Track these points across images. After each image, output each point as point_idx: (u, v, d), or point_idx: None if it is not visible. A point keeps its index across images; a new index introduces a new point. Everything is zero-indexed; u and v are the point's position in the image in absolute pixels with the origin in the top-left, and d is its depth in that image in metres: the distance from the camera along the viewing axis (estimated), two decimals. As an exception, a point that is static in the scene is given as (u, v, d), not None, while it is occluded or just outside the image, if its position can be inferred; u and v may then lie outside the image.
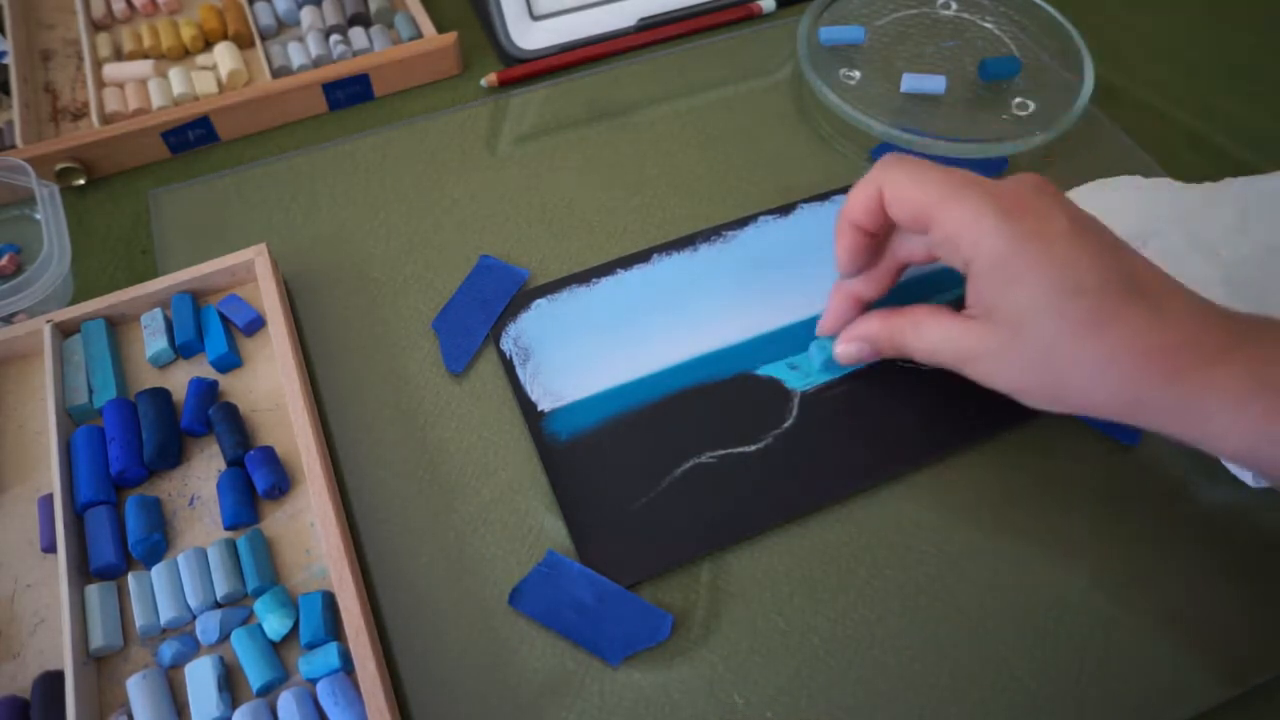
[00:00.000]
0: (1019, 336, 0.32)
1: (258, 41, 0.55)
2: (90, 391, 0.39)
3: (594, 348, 0.42)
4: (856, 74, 0.53)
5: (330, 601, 0.34)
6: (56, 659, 0.34)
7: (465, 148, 0.51)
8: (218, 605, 0.34)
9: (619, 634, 0.34)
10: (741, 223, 0.46)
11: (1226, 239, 0.43)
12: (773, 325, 0.42)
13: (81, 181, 0.49)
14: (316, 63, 0.54)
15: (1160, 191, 0.45)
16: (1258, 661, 0.34)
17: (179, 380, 0.40)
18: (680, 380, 0.41)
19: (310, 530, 0.37)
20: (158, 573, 0.35)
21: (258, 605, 0.34)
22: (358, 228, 0.47)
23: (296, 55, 0.54)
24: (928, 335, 0.35)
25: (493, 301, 0.43)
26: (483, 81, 0.54)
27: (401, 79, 0.54)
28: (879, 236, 0.37)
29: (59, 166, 0.48)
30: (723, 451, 0.38)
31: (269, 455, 0.37)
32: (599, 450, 0.39)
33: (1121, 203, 0.44)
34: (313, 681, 0.33)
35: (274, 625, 0.33)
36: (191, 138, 0.51)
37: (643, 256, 0.45)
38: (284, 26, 0.57)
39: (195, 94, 0.52)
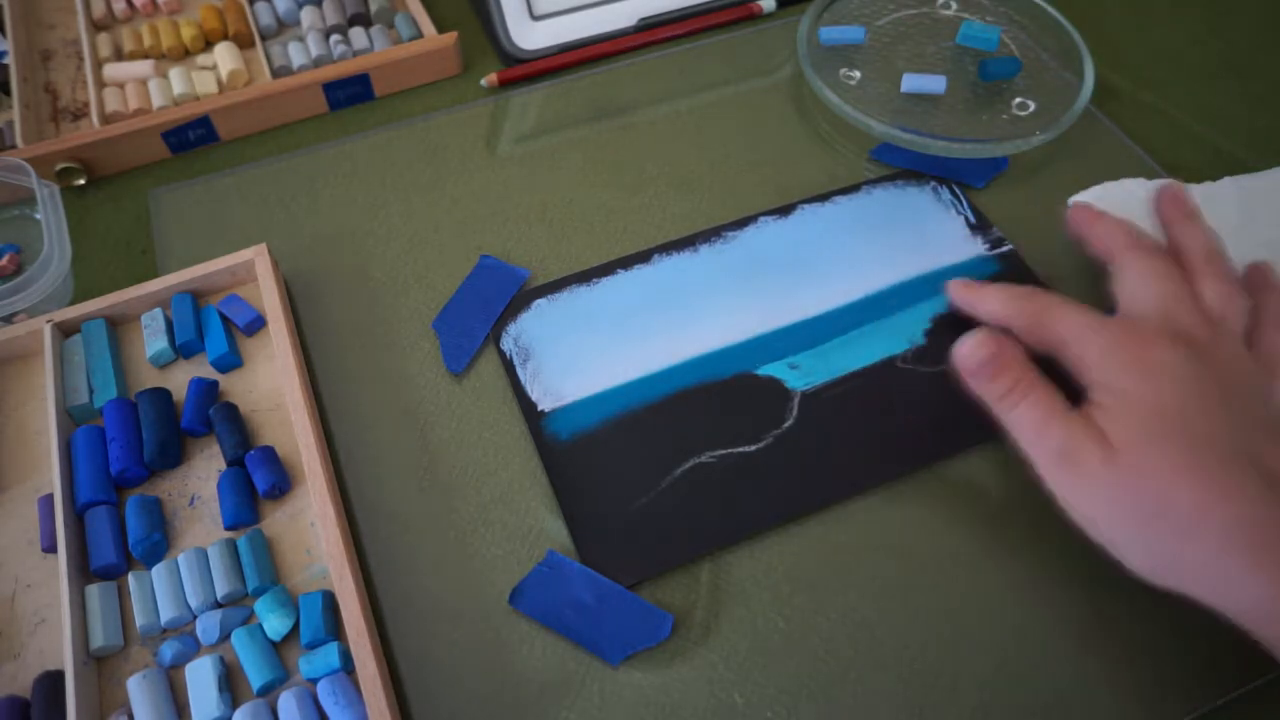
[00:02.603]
0: (1124, 456, 0.30)
1: (258, 41, 0.55)
2: (90, 391, 0.39)
3: (594, 348, 0.42)
4: (856, 74, 0.53)
5: (330, 601, 0.34)
6: (57, 659, 0.34)
7: (465, 148, 0.51)
8: (218, 605, 0.34)
9: (619, 634, 0.34)
10: (741, 223, 0.46)
11: (1229, 238, 0.43)
12: (773, 325, 0.42)
13: (82, 181, 0.49)
14: (316, 63, 0.54)
15: None
16: (1262, 658, 0.34)
17: (179, 380, 0.41)
18: (680, 380, 0.41)
19: (310, 530, 0.37)
20: (158, 573, 0.35)
21: (258, 605, 0.34)
22: (358, 228, 0.47)
23: (296, 55, 0.54)
24: (1038, 408, 0.32)
25: (493, 301, 0.43)
26: (483, 81, 0.54)
27: (401, 79, 0.54)
28: None
29: (59, 166, 0.48)
30: (723, 451, 0.38)
31: (269, 455, 0.37)
32: (599, 450, 0.39)
33: (1126, 206, 0.44)
34: (313, 681, 0.33)
35: (274, 625, 0.33)
36: (191, 138, 0.51)
37: (643, 256, 0.45)
38: (284, 26, 0.57)
39: (195, 94, 0.52)
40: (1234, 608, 0.28)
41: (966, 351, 0.34)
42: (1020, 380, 0.33)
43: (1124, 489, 0.29)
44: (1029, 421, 0.32)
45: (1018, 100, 0.51)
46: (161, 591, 0.34)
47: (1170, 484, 0.29)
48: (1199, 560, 0.28)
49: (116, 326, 0.42)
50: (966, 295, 0.38)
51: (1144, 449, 0.29)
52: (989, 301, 0.37)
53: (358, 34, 0.55)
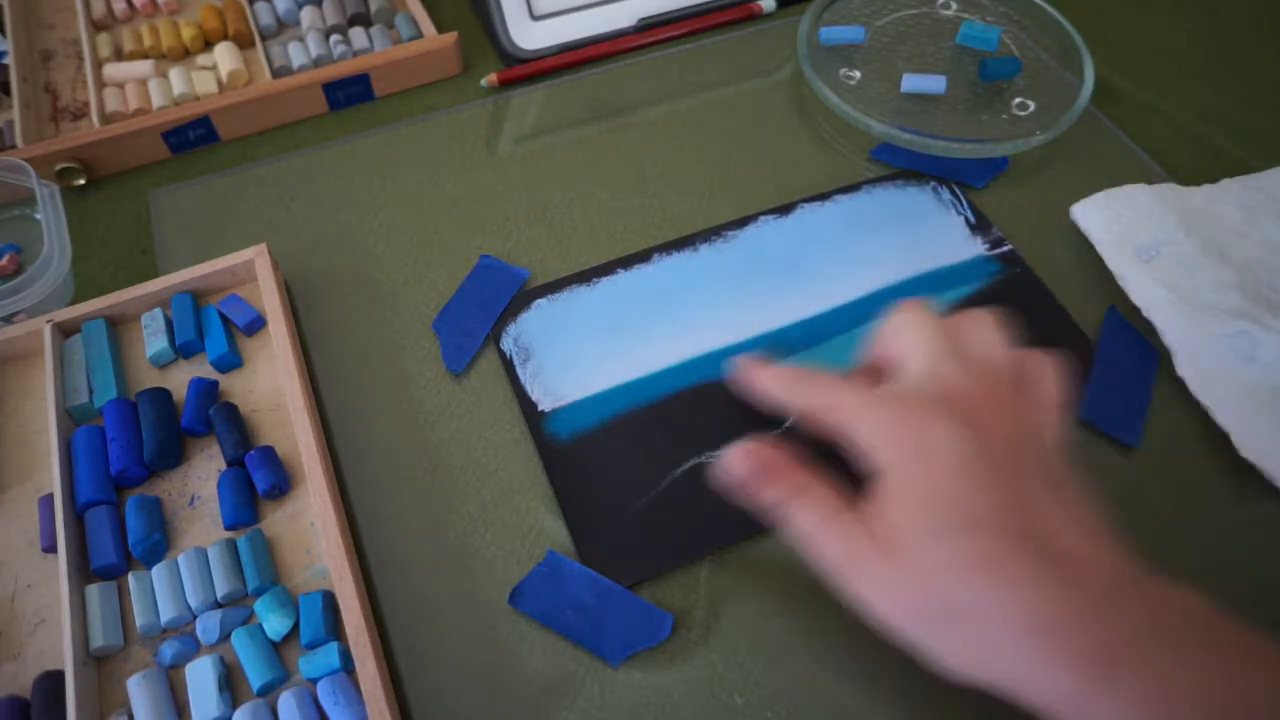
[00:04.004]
0: (905, 555, 0.28)
1: (258, 41, 0.55)
2: (90, 391, 0.39)
3: (594, 347, 0.42)
4: (856, 74, 0.53)
5: (330, 601, 0.34)
6: (57, 659, 0.34)
7: (465, 148, 0.51)
8: (218, 605, 0.34)
9: (619, 634, 0.34)
10: (741, 223, 0.46)
11: (1234, 240, 0.43)
12: (772, 325, 0.42)
13: (82, 181, 0.49)
14: (316, 63, 0.54)
15: (1165, 198, 0.44)
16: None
17: (179, 380, 0.41)
18: (680, 380, 0.41)
19: (310, 530, 0.37)
20: (158, 573, 0.35)
21: (258, 605, 0.34)
22: (358, 228, 0.47)
23: (296, 55, 0.54)
24: (816, 513, 0.30)
25: (493, 301, 0.43)
26: (483, 81, 0.54)
27: (401, 79, 0.54)
28: None
29: (59, 166, 0.48)
30: (723, 451, 0.38)
31: (269, 455, 0.37)
32: (599, 450, 0.39)
33: (1131, 214, 0.44)
34: (313, 681, 0.33)
35: (274, 625, 0.33)
36: (192, 138, 0.51)
37: (643, 256, 0.45)
38: (284, 26, 0.57)
39: (195, 94, 0.52)
40: (1040, 700, 0.26)
41: (733, 464, 0.32)
42: (794, 485, 0.31)
43: (910, 589, 0.28)
44: (808, 527, 0.30)
45: (1018, 100, 0.51)
46: (161, 591, 0.34)
47: (953, 581, 0.27)
48: (995, 656, 0.27)
49: (116, 326, 0.42)
50: (746, 379, 0.36)
51: (923, 545, 0.28)
52: (765, 386, 0.35)
53: (358, 34, 0.55)
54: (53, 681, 0.32)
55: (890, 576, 0.28)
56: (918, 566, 0.28)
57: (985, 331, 0.33)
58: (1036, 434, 0.31)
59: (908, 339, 0.33)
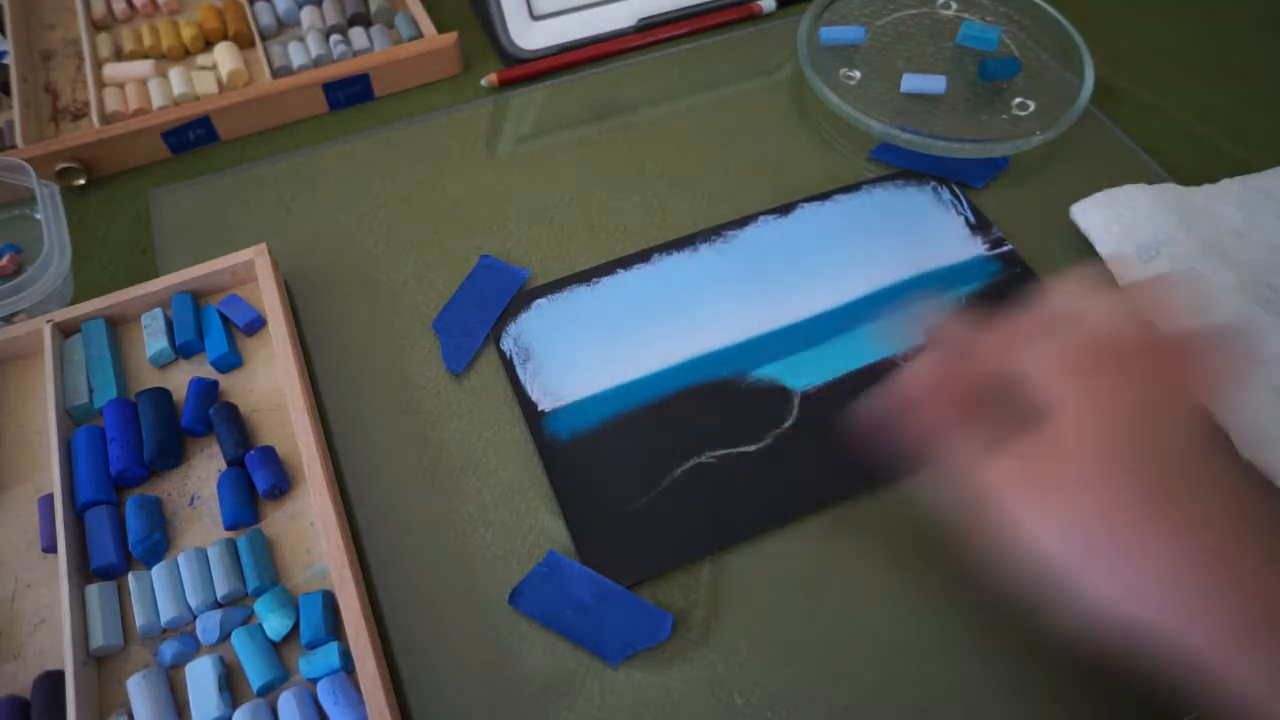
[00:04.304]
0: (1079, 485, 0.29)
1: (258, 41, 0.55)
2: (90, 391, 0.39)
3: (594, 347, 0.42)
4: (856, 74, 0.53)
5: (330, 601, 0.34)
6: (57, 659, 0.34)
7: (465, 148, 0.51)
8: (218, 605, 0.34)
9: (619, 634, 0.34)
10: (741, 223, 0.46)
11: (1234, 240, 0.43)
12: (772, 325, 0.42)
13: (82, 181, 0.49)
14: (316, 63, 0.54)
15: (1165, 198, 0.44)
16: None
17: (179, 380, 0.41)
18: (680, 380, 0.41)
19: (310, 530, 0.37)
20: (158, 573, 0.35)
21: (258, 605, 0.34)
22: (358, 228, 0.47)
23: (296, 55, 0.54)
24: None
25: (493, 301, 0.43)
26: (483, 81, 0.54)
27: (401, 79, 0.54)
28: None
29: (59, 166, 0.48)
30: (723, 451, 0.38)
31: (269, 455, 0.37)
32: (599, 450, 0.39)
33: (1131, 213, 0.44)
34: (313, 681, 0.33)
35: (274, 625, 0.33)
36: (192, 138, 0.51)
37: (643, 256, 0.45)
38: (284, 26, 0.57)
39: (195, 94, 0.52)
40: (1190, 640, 0.27)
41: (910, 381, 0.33)
42: (973, 405, 0.32)
43: (1079, 517, 0.29)
44: (983, 446, 0.31)
45: (1018, 100, 0.51)
46: (161, 591, 0.34)
47: (1121, 516, 0.28)
48: (1151, 593, 0.28)
49: (116, 326, 0.42)
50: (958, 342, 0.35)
51: (1098, 478, 0.29)
52: (984, 348, 0.34)
53: (358, 34, 0.55)
54: (53, 681, 0.32)
55: (1059, 502, 0.29)
56: (1090, 497, 0.29)
57: (1168, 305, 0.34)
58: (1202, 408, 0.32)
59: (1089, 300, 0.34)
